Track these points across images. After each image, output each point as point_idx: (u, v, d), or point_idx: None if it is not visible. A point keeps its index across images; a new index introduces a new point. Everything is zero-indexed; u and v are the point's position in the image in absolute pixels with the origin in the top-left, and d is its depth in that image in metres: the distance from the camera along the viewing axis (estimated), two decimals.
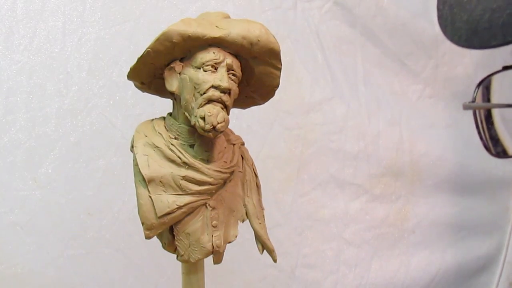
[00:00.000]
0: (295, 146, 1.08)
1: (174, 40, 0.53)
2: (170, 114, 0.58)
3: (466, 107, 0.37)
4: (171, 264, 0.61)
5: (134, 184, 0.55)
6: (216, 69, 0.55)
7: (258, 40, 0.56)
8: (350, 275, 1.16)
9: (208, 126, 0.53)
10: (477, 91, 0.38)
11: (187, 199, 0.55)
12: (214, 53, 0.55)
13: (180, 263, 0.60)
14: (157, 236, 0.58)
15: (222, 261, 0.60)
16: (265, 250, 0.64)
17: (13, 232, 0.82)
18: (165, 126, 0.57)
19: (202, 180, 0.55)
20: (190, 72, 0.55)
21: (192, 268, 0.60)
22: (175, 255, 0.58)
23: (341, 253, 1.15)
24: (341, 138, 1.14)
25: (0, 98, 0.82)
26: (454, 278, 1.33)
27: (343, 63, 1.15)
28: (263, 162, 1.04)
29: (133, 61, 0.56)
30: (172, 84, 0.55)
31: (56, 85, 0.85)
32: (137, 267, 0.89)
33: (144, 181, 0.54)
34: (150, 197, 0.54)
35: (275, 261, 0.63)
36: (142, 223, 0.55)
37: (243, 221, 0.62)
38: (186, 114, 0.55)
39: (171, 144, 0.56)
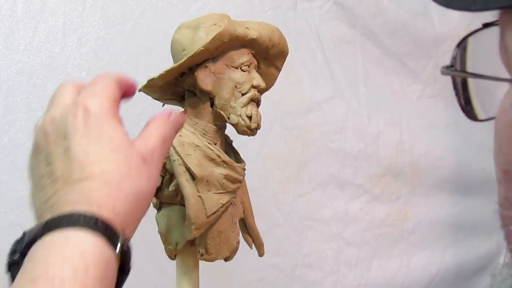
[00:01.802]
0: (295, 146, 1.08)
1: (224, 40, 0.55)
2: None
3: (443, 73, 0.37)
4: (171, 264, 0.61)
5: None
6: (249, 69, 0.57)
7: (279, 43, 0.59)
8: (350, 275, 1.16)
9: (254, 125, 0.56)
10: (457, 52, 0.38)
11: (227, 197, 0.57)
12: (248, 54, 0.57)
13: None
14: (166, 238, 0.58)
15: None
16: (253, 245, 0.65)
17: (13, 232, 0.81)
18: (191, 126, 0.57)
19: (236, 178, 0.58)
20: (229, 72, 0.56)
21: (192, 267, 0.60)
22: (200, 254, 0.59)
23: (341, 253, 1.15)
24: (341, 138, 1.14)
25: (0, 98, 0.82)
26: (454, 278, 1.33)
27: (343, 63, 1.15)
28: (263, 162, 1.04)
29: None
30: (207, 83, 0.56)
31: (56, 85, 0.84)
32: (137, 267, 0.89)
33: (192, 181, 0.55)
34: (200, 196, 0.55)
35: (261, 255, 0.64)
36: (193, 223, 0.55)
37: (240, 218, 0.62)
38: (222, 113, 0.56)
39: (208, 143, 0.56)
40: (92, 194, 0.41)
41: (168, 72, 0.55)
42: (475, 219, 1.37)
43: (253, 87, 0.57)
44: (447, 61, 0.38)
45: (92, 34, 0.87)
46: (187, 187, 0.55)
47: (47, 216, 0.41)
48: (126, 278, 0.43)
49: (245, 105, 0.56)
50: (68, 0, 0.86)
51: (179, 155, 0.55)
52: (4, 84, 0.82)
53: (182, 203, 0.56)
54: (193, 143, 0.56)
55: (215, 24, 0.56)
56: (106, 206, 0.41)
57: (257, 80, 0.57)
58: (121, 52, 0.89)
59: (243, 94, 0.56)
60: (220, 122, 0.57)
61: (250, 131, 0.56)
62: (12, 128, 0.82)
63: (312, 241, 1.11)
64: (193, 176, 0.55)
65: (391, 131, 1.21)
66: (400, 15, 1.21)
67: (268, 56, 0.60)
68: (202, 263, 0.60)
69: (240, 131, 0.56)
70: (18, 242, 0.42)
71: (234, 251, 0.60)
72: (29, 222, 0.43)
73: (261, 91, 0.58)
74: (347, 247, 1.16)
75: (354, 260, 1.17)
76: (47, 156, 0.43)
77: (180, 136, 0.55)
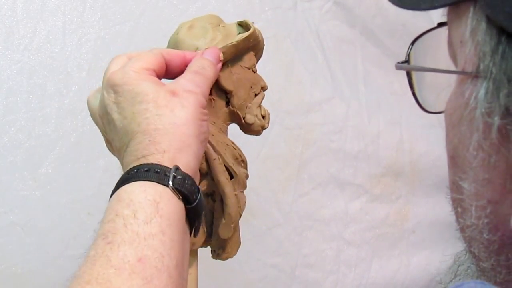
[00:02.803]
0: (295, 146, 1.08)
1: (251, 40, 0.57)
2: None
3: (397, 68, 0.40)
4: None
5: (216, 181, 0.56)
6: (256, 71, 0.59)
7: (263, 46, 0.60)
8: (350, 275, 1.16)
9: (267, 125, 0.58)
10: (411, 48, 0.41)
11: (245, 195, 0.58)
12: (254, 56, 0.58)
13: None
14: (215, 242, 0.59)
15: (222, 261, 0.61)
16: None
17: (13, 232, 0.82)
18: (211, 125, 0.58)
19: (248, 176, 0.59)
20: (244, 73, 0.58)
21: (193, 267, 0.60)
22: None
23: (341, 253, 1.15)
24: (341, 138, 1.14)
25: (0, 98, 0.82)
26: (454, 278, 1.33)
27: (343, 63, 1.15)
28: (263, 162, 1.04)
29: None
30: (229, 83, 0.57)
31: (56, 85, 0.85)
32: None
33: (230, 180, 0.56)
34: (236, 195, 0.56)
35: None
36: (233, 222, 0.56)
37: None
38: (239, 112, 0.57)
39: (232, 142, 0.57)
40: (139, 147, 0.45)
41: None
42: None
43: (261, 88, 0.59)
44: None
45: (92, 34, 0.87)
46: (228, 186, 0.56)
47: (128, 164, 0.46)
48: (194, 209, 0.45)
49: (259, 105, 0.58)
50: (68, 0, 0.86)
51: (219, 154, 0.55)
52: (4, 84, 0.82)
53: None
54: (224, 142, 0.57)
55: (219, 25, 0.57)
56: (181, 161, 0.44)
57: (263, 81, 0.59)
58: (121, 52, 0.88)
59: (256, 95, 0.57)
60: (232, 122, 0.58)
61: (262, 130, 0.58)
62: (12, 128, 0.82)
63: (312, 241, 1.11)
64: (231, 175, 0.56)
65: (391, 131, 1.21)
66: (400, 15, 1.21)
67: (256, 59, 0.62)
68: (201, 263, 0.60)
69: (255, 131, 0.58)
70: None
71: (238, 248, 0.61)
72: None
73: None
74: (347, 247, 1.16)
75: (354, 260, 1.17)
76: (122, 110, 0.48)
77: (213, 135, 0.56)
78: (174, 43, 0.58)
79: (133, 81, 0.48)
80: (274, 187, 1.06)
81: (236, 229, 0.58)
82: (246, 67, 0.58)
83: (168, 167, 0.43)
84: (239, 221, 0.60)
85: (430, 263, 1.28)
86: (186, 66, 0.52)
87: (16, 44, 0.83)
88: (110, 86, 0.50)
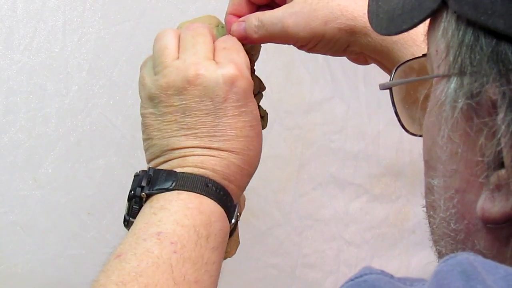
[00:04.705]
0: (295, 146, 1.08)
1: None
2: None
3: (381, 87, 0.43)
4: None
5: None
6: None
7: (261, 47, 0.60)
8: (350, 275, 1.16)
9: (266, 125, 0.59)
10: (394, 73, 0.44)
11: (245, 196, 0.59)
12: (252, 56, 0.58)
13: None
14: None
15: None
16: None
17: (13, 232, 0.82)
18: None
19: None
20: None
21: None
22: None
23: (341, 253, 1.15)
24: (341, 138, 1.14)
25: (0, 98, 0.82)
26: None
27: (343, 63, 1.15)
28: (263, 162, 1.03)
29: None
30: None
31: (56, 85, 0.85)
32: None
33: None
34: None
35: None
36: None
37: None
38: None
39: None
40: (229, 168, 0.44)
41: None
42: None
43: (260, 88, 0.59)
44: None
45: (92, 34, 0.87)
46: None
47: (177, 165, 0.44)
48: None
49: (258, 105, 0.58)
50: (68, 0, 0.86)
51: None
52: (4, 84, 0.82)
53: None
54: None
55: (218, 26, 0.57)
56: (235, 183, 0.45)
57: (262, 82, 0.59)
58: (121, 52, 0.89)
59: (255, 95, 0.57)
60: None
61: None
62: (12, 128, 0.82)
63: (312, 241, 1.11)
64: None
65: (391, 131, 1.21)
66: None
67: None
68: None
69: None
70: (144, 178, 0.44)
71: (238, 248, 0.61)
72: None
73: None
74: (347, 247, 1.16)
75: (354, 260, 1.17)
76: (186, 108, 0.45)
77: None
78: None
79: (250, 96, 0.47)
80: (274, 187, 1.06)
81: (236, 229, 0.58)
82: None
83: (235, 204, 0.45)
84: (239, 221, 0.60)
85: (430, 263, 1.28)
86: None
87: (16, 44, 0.83)
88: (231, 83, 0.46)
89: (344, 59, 0.66)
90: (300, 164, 1.09)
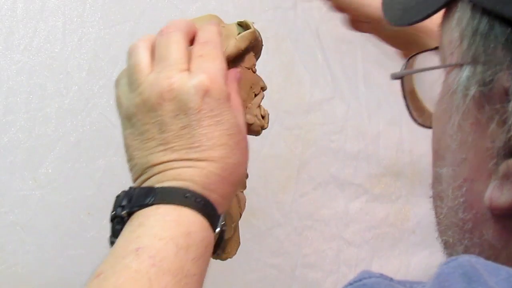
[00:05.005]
0: (295, 146, 1.08)
1: (252, 41, 0.57)
2: None
3: (393, 77, 0.43)
4: None
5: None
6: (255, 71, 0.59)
7: (262, 46, 0.60)
8: (350, 275, 1.16)
9: (267, 125, 0.58)
10: (407, 63, 0.42)
11: (245, 196, 0.58)
12: (253, 56, 0.59)
13: None
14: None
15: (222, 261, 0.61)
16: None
17: (13, 232, 0.82)
18: None
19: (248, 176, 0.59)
20: (245, 73, 0.57)
21: None
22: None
23: (341, 253, 1.15)
24: (341, 138, 1.14)
25: (0, 98, 0.82)
26: None
27: (343, 63, 1.15)
28: (263, 162, 1.04)
29: None
30: None
31: (56, 85, 0.85)
32: None
33: None
34: (236, 195, 0.57)
35: None
36: (233, 222, 0.56)
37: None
38: None
39: None
40: (208, 177, 0.43)
41: None
42: None
43: (261, 88, 0.59)
44: None
45: (92, 34, 0.87)
46: None
47: (156, 181, 0.43)
48: (216, 252, 0.46)
49: (259, 105, 0.58)
50: (68, 0, 0.86)
51: None
52: (4, 84, 0.82)
53: None
54: None
55: (219, 25, 0.57)
56: (217, 192, 0.44)
57: (263, 81, 0.59)
58: (121, 52, 0.88)
59: (256, 95, 0.57)
60: None
61: (261, 130, 0.58)
62: (12, 128, 0.82)
63: (312, 241, 1.11)
64: None
65: (391, 131, 1.21)
66: None
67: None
68: None
69: (254, 131, 0.58)
70: (125, 197, 0.44)
71: (238, 248, 0.61)
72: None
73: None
74: (347, 247, 1.16)
75: (354, 260, 1.17)
76: (161, 123, 0.44)
77: None
78: None
79: (227, 103, 0.46)
80: (274, 187, 1.06)
81: (236, 229, 0.58)
82: (246, 68, 0.58)
83: (219, 213, 0.43)
84: (239, 221, 0.60)
85: (430, 263, 1.28)
86: None
87: (16, 44, 0.83)
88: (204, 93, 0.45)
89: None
90: (300, 164, 1.09)
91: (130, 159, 0.48)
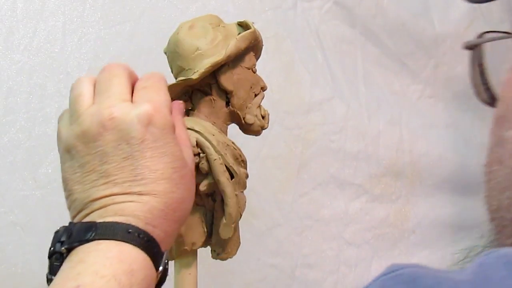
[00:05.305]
0: (295, 146, 1.08)
1: (251, 41, 0.56)
2: (187, 114, 0.58)
3: (467, 46, 0.42)
4: (171, 264, 0.61)
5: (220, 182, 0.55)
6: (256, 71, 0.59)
7: (262, 46, 0.60)
8: (350, 275, 1.16)
9: (267, 125, 0.58)
10: (482, 36, 0.43)
11: (245, 196, 0.58)
12: (254, 56, 0.58)
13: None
14: (182, 239, 0.58)
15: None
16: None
17: (13, 232, 0.82)
18: (212, 125, 0.58)
19: (248, 176, 0.59)
20: (244, 73, 0.57)
21: (194, 267, 0.60)
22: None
23: (341, 253, 1.15)
24: (341, 138, 1.14)
25: (0, 98, 0.82)
26: None
27: (343, 63, 1.15)
28: (263, 162, 1.04)
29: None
30: (229, 83, 0.57)
31: (56, 85, 0.85)
32: None
33: (230, 180, 0.55)
34: (236, 195, 0.56)
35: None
36: (233, 222, 0.56)
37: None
38: (239, 112, 0.57)
39: (232, 142, 0.57)
40: (152, 212, 0.41)
41: (208, 69, 0.55)
42: (475, 219, 1.37)
43: (261, 88, 0.59)
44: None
45: (92, 34, 0.87)
46: (229, 186, 0.55)
47: (98, 216, 0.41)
48: None
49: (259, 105, 0.58)
50: (68, 0, 0.86)
51: (220, 154, 0.55)
52: (4, 84, 0.82)
53: (198, 203, 0.56)
54: (224, 142, 0.56)
55: (219, 25, 0.57)
56: (160, 228, 0.42)
57: (263, 81, 0.59)
58: (121, 52, 0.89)
59: (256, 95, 0.57)
60: (232, 122, 0.58)
61: (261, 130, 0.59)
62: (12, 128, 0.82)
63: (312, 241, 1.11)
64: (231, 175, 0.56)
65: (391, 131, 1.21)
66: (400, 15, 1.21)
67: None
68: (201, 263, 0.60)
69: (254, 131, 0.58)
70: (64, 233, 0.42)
71: (238, 248, 0.61)
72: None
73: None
74: (347, 247, 1.16)
75: (354, 260, 1.17)
76: (102, 154, 0.43)
77: (213, 135, 0.56)
78: (174, 43, 0.57)
79: (171, 135, 0.44)
80: (274, 187, 1.06)
81: (236, 229, 0.58)
82: (247, 68, 0.58)
83: (162, 251, 0.41)
84: (239, 221, 0.60)
85: (430, 263, 1.28)
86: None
87: (16, 44, 0.83)
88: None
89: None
90: (300, 164, 1.09)
91: (69, 194, 0.46)
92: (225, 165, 0.55)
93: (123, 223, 0.40)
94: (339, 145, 1.13)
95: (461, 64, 1.31)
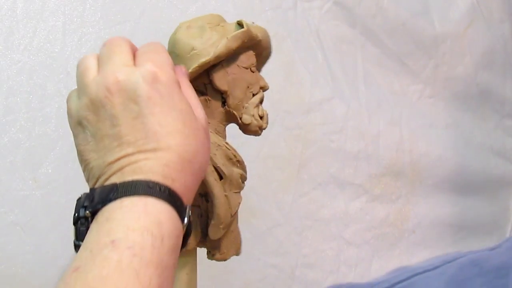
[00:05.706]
0: (295, 146, 1.08)
1: (245, 40, 0.55)
2: None
3: None
4: None
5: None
6: (255, 70, 0.58)
7: (269, 45, 0.60)
8: (350, 275, 1.16)
9: (265, 125, 0.58)
10: None
11: (241, 196, 0.57)
12: (253, 55, 0.58)
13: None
14: (210, 244, 0.58)
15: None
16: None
17: (13, 232, 0.82)
18: None
19: (245, 177, 0.58)
20: (241, 73, 0.57)
21: (193, 268, 0.60)
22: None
23: (341, 253, 1.15)
24: (341, 138, 1.14)
25: (0, 98, 0.82)
26: None
27: (343, 63, 1.15)
28: (263, 162, 1.04)
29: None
30: (223, 83, 0.56)
31: (56, 85, 0.85)
32: None
33: (219, 180, 0.55)
34: (226, 195, 0.56)
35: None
36: (221, 222, 0.55)
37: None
38: (235, 112, 0.56)
39: (225, 142, 0.57)
40: (168, 166, 0.42)
41: (195, 69, 0.54)
42: (475, 219, 1.37)
43: (261, 88, 0.58)
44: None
45: (92, 34, 0.87)
46: (216, 187, 0.55)
47: (116, 178, 0.42)
48: (184, 247, 0.44)
49: (257, 105, 0.57)
50: (68, 0, 0.86)
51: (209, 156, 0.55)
52: (4, 84, 0.82)
53: (194, 203, 0.56)
54: (215, 142, 0.56)
55: (218, 25, 0.56)
56: (179, 181, 0.42)
57: (263, 81, 0.58)
58: None
59: (254, 95, 0.57)
60: (229, 122, 0.58)
61: (260, 130, 0.58)
62: (12, 128, 0.82)
63: (312, 241, 1.11)
64: (220, 176, 0.55)
65: (391, 131, 1.21)
66: (400, 15, 1.21)
67: (259, 58, 0.60)
68: (201, 263, 0.60)
69: (252, 131, 0.57)
70: (86, 198, 0.42)
71: (239, 249, 0.61)
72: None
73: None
74: (347, 247, 1.16)
75: (354, 260, 1.17)
76: (112, 117, 0.43)
77: None
78: (172, 43, 0.57)
79: (177, 91, 0.45)
80: (274, 187, 1.06)
81: (229, 230, 0.58)
82: (244, 67, 0.57)
83: (185, 204, 0.42)
84: (239, 221, 0.60)
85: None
86: None
87: (16, 44, 0.83)
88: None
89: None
90: (300, 164, 1.09)
91: (86, 165, 0.46)
92: (214, 166, 0.55)
93: (143, 180, 0.41)
94: (339, 145, 1.13)
95: (461, 64, 1.31)
